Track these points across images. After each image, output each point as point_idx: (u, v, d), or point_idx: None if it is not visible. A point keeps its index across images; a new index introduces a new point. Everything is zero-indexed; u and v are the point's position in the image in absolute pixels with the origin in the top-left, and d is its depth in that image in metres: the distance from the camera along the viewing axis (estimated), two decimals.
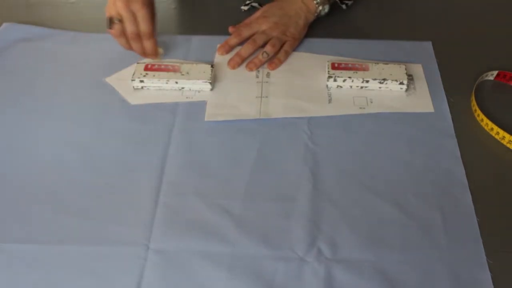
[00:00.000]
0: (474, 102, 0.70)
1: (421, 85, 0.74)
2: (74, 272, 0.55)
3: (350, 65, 0.75)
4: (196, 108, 0.71)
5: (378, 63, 0.75)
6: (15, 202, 0.61)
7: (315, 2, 0.81)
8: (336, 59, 0.77)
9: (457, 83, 0.74)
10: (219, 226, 0.59)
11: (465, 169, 0.64)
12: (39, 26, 0.84)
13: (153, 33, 0.74)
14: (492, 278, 0.54)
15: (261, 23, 0.80)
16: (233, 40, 0.79)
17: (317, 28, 0.83)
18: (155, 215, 0.60)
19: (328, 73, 0.74)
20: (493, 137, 0.67)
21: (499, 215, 0.60)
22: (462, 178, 0.63)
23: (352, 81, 0.73)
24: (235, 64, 0.77)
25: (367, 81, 0.73)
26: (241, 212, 0.60)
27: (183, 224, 0.59)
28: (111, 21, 0.73)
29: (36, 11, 0.89)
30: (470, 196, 0.61)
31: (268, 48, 0.77)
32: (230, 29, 0.82)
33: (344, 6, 0.87)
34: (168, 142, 0.67)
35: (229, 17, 0.85)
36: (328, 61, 0.75)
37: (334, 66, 0.74)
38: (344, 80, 0.73)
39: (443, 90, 0.74)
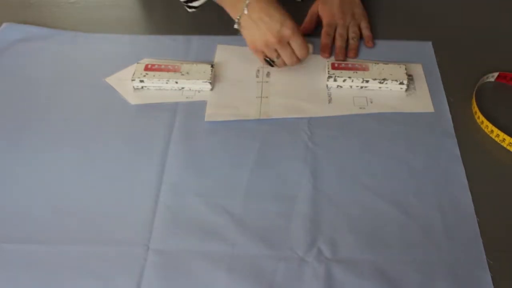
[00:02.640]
0: (474, 104, 0.70)
1: (421, 85, 0.74)
2: (74, 272, 0.55)
3: (350, 65, 0.75)
4: (196, 108, 0.71)
5: (378, 63, 0.75)
6: (15, 202, 0.61)
7: None
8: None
9: (457, 83, 0.74)
10: (219, 226, 0.59)
11: (465, 169, 0.64)
12: (39, 26, 0.84)
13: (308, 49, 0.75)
14: (492, 278, 0.54)
15: (334, 18, 0.82)
16: (326, 40, 0.80)
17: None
18: (155, 215, 0.60)
19: (328, 73, 0.74)
20: (493, 138, 0.67)
21: (499, 215, 0.60)
22: (462, 178, 0.63)
23: (352, 81, 0.73)
24: (343, 56, 0.79)
25: (367, 81, 0.73)
26: (241, 212, 0.60)
27: (183, 224, 0.59)
28: (270, 62, 0.75)
29: (36, 11, 0.89)
30: (470, 196, 0.61)
31: (352, 34, 0.80)
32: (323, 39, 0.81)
33: None
34: (168, 142, 0.67)
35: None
36: (328, 61, 0.76)
37: (334, 66, 0.74)
38: (344, 80, 0.73)
39: (443, 90, 0.74)
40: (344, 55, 0.78)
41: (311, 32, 0.82)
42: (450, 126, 0.69)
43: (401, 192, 0.62)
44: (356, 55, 0.79)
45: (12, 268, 0.55)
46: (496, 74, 0.74)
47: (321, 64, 0.77)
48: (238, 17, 0.71)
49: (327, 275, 0.55)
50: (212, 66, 0.75)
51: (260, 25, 0.70)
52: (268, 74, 0.77)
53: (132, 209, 0.60)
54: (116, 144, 0.67)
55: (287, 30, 0.70)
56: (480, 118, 0.68)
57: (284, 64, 0.75)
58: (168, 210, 0.60)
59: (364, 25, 0.82)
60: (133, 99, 0.73)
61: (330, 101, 0.73)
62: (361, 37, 0.82)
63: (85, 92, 0.74)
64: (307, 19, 0.83)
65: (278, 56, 0.74)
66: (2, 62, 0.79)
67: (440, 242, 0.57)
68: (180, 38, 0.82)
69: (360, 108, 0.71)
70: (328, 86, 0.74)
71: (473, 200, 0.61)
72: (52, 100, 0.73)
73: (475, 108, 0.70)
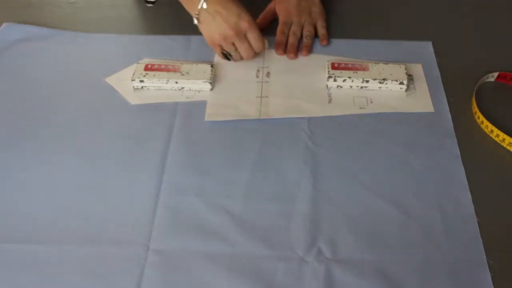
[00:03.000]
0: (474, 105, 0.70)
1: (421, 85, 0.74)
2: (74, 272, 0.55)
3: (350, 65, 0.75)
4: (196, 108, 0.71)
5: (378, 63, 0.75)
6: (15, 202, 0.61)
7: None
8: (336, 59, 0.77)
9: (457, 83, 0.74)
10: (219, 226, 0.59)
11: (465, 169, 0.64)
12: (39, 26, 0.84)
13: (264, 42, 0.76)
14: (492, 278, 0.54)
15: (290, 15, 0.82)
16: (280, 38, 0.81)
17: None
18: (155, 215, 0.60)
19: (328, 73, 0.74)
20: (493, 138, 0.67)
21: (499, 215, 0.60)
22: (462, 178, 0.63)
23: (352, 81, 0.73)
24: (294, 55, 0.79)
25: (367, 81, 0.73)
26: (241, 212, 0.60)
27: (183, 224, 0.59)
28: (227, 56, 0.76)
29: (36, 11, 0.89)
30: (470, 196, 0.61)
31: (306, 32, 0.81)
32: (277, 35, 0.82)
33: None
34: (168, 142, 0.67)
35: None
36: (328, 61, 0.75)
37: (334, 66, 0.74)
38: (344, 80, 0.73)
39: (443, 90, 0.74)
40: (295, 52, 0.79)
41: (264, 28, 0.82)
42: (450, 126, 0.69)
43: (401, 192, 0.62)
44: (308, 53, 0.80)
45: (12, 268, 0.55)
46: (496, 74, 0.74)
47: (321, 64, 0.77)
48: (197, 13, 0.71)
49: (327, 275, 0.55)
50: (212, 66, 0.75)
51: (217, 18, 0.71)
52: (268, 74, 0.77)
53: (132, 209, 0.60)
54: (116, 144, 0.67)
55: (244, 22, 0.71)
56: (480, 118, 0.68)
57: (241, 57, 0.76)
58: (168, 210, 0.60)
59: (320, 24, 0.83)
60: (133, 99, 0.73)
61: (330, 101, 0.73)
62: (316, 35, 0.82)
63: (85, 92, 0.74)
64: (261, 15, 0.84)
65: (235, 49, 0.75)
66: (2, 62, 0.79)
67: (440, 242, 0.57)
68: (180, 38, 0.82)
69: (360, 108, 0.71)
70: (328, 86, 0.74)
71: (473, 200, 0.61)
72: (52, 100, 0.73)
73: (475, 108, 0.70)
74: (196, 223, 0.59)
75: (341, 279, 0.54)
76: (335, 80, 0.73)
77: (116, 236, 0.58)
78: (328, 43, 0.81)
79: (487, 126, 0.67)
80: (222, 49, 0.75)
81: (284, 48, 0.80)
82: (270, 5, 0.85)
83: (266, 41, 0.76)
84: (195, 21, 0.73)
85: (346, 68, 0.74)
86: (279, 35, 0.81)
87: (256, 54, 0.77)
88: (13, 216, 0.60)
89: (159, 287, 0.54)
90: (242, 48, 0.74)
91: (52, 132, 0.69)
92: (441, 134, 0.68)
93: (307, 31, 0.82)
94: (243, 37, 0.73)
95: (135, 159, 0.65)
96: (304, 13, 0.83)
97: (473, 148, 0.66)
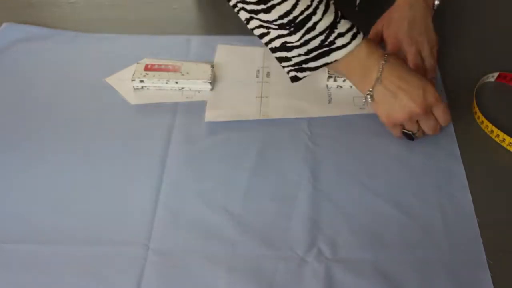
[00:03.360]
0: (474, 105, 0.70)
1: None
2: (74, 272, 0.55)
3: None
4: (196, 108, 0.71)
5: None
6: (15, 202, 0.61)
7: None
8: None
9: (458, 83, 0.74)
10: (219, 226, 0.59)
11: (465, 169, 0.64)
12: (39, 26, 0.84)
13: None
14: (492, 278, 0.54)
15: (395, 42, 0.72)
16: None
17: None
18: (155, 215, 0.60)
19: (328, 73, 0.74)
20: (493, 138, 0.67)
21: (499, 215, 0.60)
22: (462, 178, 0.63)
23: None
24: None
25: None
26: (241, 212, 0.60)
27: (183, 224, 0.59)
28: (410, 135, 0.65)
29: (36, 11, 0.89)
30: (470, 196, 0.61)
31: (430, 74, 0.71)
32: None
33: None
34: (168, 142, 0.67)
35: (229, 16, 0.85)
36: None
37: None
38: (344, 80, 0.73)
39: (443, 90, 0.73)
40: None
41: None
42: (450, 126, 0.69)
43: (401, 192, 0.62)
44: (435, 73, 0.72)
45: (12, 268, 0.55)
46: (496, 74, 0.74)
47: None
48: (371, 90, 0.63)
49: (327, 275, 0.55)
50: (212, 66, 0.75)
51: (400, 95, 0.61)
52: (268, 74, 0.77)
53: (132, 209, 0.60)
54: (116, 144, 0.67)
55: (431, 96, 0.61)
56: (480, 118, 0.68)
57: (423, 134, 0.66)
58: (168, 210, 0.60)
59: (433, 52, 0.72)
60: (133, 99, 0.73)
61: (330, 101, 0.72)
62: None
63: (85, 92, 0.74)
64: (371, 37, 0.74)
65: (418, 127, 0.64)
66: (2, 62, 0.79)
67: (440, 242, 0.57)
68: (180, 38, 0.82)
69: (360, 108, 0.71)
70: (328, 86, 0.74)
71: (473, 200, 0.61)
72: (52, 100, 0.73)
73: (475, 108, 0.70)
74: (196, 223, 0.59)
75: (341, 279, 0.54)
76: (335, 80, 0.73)
77: (116, 236, 0.58)
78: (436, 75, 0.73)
79: (487, 126, 0.67)
80: (403, 128, 0.65)
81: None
82: (377, 27, 0.75)
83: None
84: (369, 100, 0.63)
85: None
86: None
87: (442, 129, 0.66)
88: (13, 216, 0.60)
89: (159, 287, 0.54)
90: (428, 126, 0.64)
91: (52, 132, 0.69)
92: (441, 134, 0.68)
93: (427, 55, 0.71)
94: (430, 113, 0.63)
95: (135, 159, 0.65)
96: (418, 41, 0.71)
97: (473, 148, 0.66)
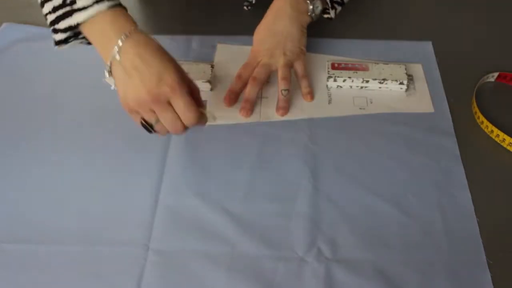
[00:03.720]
0: (474, 105, 0.70)
1: (421, 85, 0.74)
2: (74, 272, 0.55)
3: (350, 65, 0.74)
4: None
5: (378, 63, 0.75)
6: (15, 202, 0.61)
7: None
8: (336, 59, 0.77)
9: (457, 83, 0.74)
10: (219, 226, 0.59)
11: (465, 169, 0.64)
12: (39, 26, 0.84)
13: (198, 113, 0.57)
14: (492, 278, 0.54)
15: (256, 56, 0.72)
16: (235, 85, 0.70)
17: (317, 28, 0.82)
18: (155, 215, 0.60)
19: (328, 73, 0.74)
20: (493, 139, 0.67)
21: (499, 215, 0.60)
22: (462, 178, 0.63)
23: (352, 81, 0.73)
24: (248, 111, 0.69)
25: (367, 81, 0.73)
26: (241, 212, 0.60)
27: (183, 224, 0.59)
28: (148, 127, 0.58)
29: (36, 11, 0.88)
30: (470, 196, 0.61)
31: (282, 83, 0.70)
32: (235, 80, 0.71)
33: (332, 14, 0.75)
34: (168, 142, 0.67)
35: (229, 16, 0.85)
36: (328, 61, 0.75)
37: (334, 66, 0.74)
38: (344, 80, 0.73)
39: (443, 90, 0.74)
40: (250, 108, 0.69)
41: (242, 81, 0.70)
42: (450, 126, 0.69)
43: (401, 192, 0.62)
44: (283, 115, 0.69)
45: (12, 268, 0.55)
46: (496, 74, 0.74)
47: (320, 64, 0.77)
48: (109, 64, 0.55)
49: (327, 275, 0.55)
50: (212, 66, 0.75)
51: (133, 76, 0.54)
52: None
53: (132, 209, 0.60)
54: (116, 144, 0.67)
55: (166, 85, 0.53)
56: (480, 118, 0.68)
57: (167, 131, 0.58)
58: (168, 210, 0.60)
59: (299, 71, 0.71)
60: None
61: (330, 101, 0.72)
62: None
63: (85, 92, 0.74)
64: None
65: (158, 120, 0.57)
66: (2, 62, 0.79)
67: (440, 242, 0.57)
68: (180, 38, 0.82)
69: (360, 108, 0.71)
70: (328, 86, 0.74)
71: (473, 200, 0.61)
72: (52, 100, 0.73)
73: (475, 108, 0.70)
74: (196, 223, 0.59)
75: (341, 279, 0.54)
76: (335, 80, 0.73)
77: (116, 236, 0.58)
78: (312, 99, 0.72)
79: (487, 126, 0.67)
80: (142, 117, 0.58)
81: (234, 99, 0.69)
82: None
83: (209, 112, 0.61)
84: (106, 74, 0.56)
85: (346, 68, 0.74)
86: (236, 79, 0.70)
87: (186, 128, 0.58)
88: (13, 216, 0.60)
89: (159, 287, 0.54)
90: (164, 119, 0.56)
91: (52, 132, 0.69)
92: (441, 134, 0.68)
93: (283, 80, 0.68)
94: (166, 105, 0.55)
95: (135, 159, 0.65)
96: (275, 53, 0.69)
97: (473, 148, 0.66)
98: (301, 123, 0.70)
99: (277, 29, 0.72)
